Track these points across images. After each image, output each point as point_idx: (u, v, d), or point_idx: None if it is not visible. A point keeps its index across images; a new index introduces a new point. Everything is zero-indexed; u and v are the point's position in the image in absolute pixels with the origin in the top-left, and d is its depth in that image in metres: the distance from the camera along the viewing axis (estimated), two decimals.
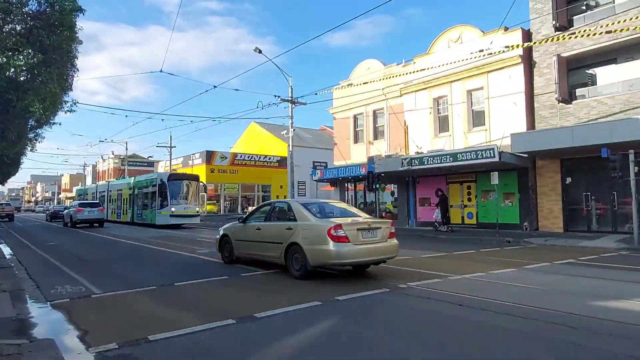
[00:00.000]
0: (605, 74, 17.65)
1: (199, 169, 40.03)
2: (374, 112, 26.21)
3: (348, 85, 25.75)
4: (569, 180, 17.75)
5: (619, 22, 15.50)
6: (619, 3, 17.07)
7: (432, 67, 20.06)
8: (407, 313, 5.98)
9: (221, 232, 10.86)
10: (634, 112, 15.44)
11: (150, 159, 67.35)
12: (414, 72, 21.12)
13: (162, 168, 50.91)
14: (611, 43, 16.41)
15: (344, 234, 7.74)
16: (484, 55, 18.35)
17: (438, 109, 22.65)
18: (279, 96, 24.59)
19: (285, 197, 38.40)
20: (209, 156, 42.01)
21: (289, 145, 25.73)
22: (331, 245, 7.72)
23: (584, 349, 4.39)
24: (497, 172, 16.88)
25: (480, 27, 21.19)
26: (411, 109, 23.50)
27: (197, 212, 29.44)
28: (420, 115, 22.98)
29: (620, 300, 6.43)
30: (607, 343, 4.55)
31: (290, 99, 25.05)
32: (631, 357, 4.13)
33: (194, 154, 44.13)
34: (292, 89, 25.65)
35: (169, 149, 42.02)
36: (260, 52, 23.34)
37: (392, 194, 25.90)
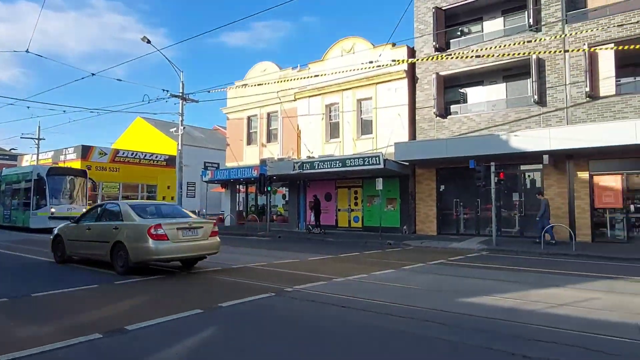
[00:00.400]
0: (474, 94, 19.86)
1: (73, 166, 35.98)
2: (269, 114, 26.13)
3: (243, 85, 25.31)
4: (442, 187, 19.55)
5: (486, 49, 17.54)
6: (487, 32, 19.37)
7: (325, 74, 20.63)
8: (292, 317, 5.93)
9: (55, 232, 11.04)
10: (496, 129, 17.57)
11: (13, 151, 58.86)
12: (308, 77, 21.51)
13: (28, 162, 44.83)
14: (480, 67, 18.50)
15: (163, 233, 8.54)
16: (373, 67, 19.35)
17: (330, 116, 23.36)
18: (167, 90, 23.20)
19: (172, 198, 36.36)
20: (86, 151, 37.91)
21: (178, 143, 24.41)
22: (150, 243, 8.45)
23: (449, 344, 4.74)
24: (381, 179, 17.92)
25: (372, 40, 22.40)
26: (304, 114, 23.90)
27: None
28: (313, 120, 23.49)
29: (482, 296, 7.14)
30: (470, 337, 4.98)
31: (181, 94, 23.80)
32: (488, 349, 4.55)
33: (67, 148, 39.54)
34: (183, 84, 24.42)
35: (37, 141, 37.14)
36: (148, 42, 21.79)
37: (284, 197, 26.04)
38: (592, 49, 15.63)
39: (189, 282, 8.58)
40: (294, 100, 24.40)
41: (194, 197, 41.07)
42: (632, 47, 13.75)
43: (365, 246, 15.74)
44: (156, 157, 43.36)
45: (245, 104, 26.42)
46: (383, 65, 19.11)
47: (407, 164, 19.31)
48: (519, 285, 8.13)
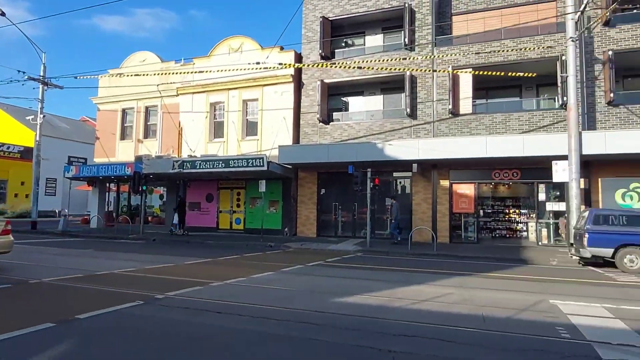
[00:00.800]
0: (355, 103, 20.99)
1: None
2: (147, 108, 24.38)
3: (118, 74, 23.23)
4: (323, 191, 20.24)
5: (367, 61, 18.65)
6: (369, 46, 20.64)
7: (211, 71, 19.95)
8: (162, 327, 5.53)
9: None
10: (373, 138, 18.77)
11: None
12: (192, 72, 20.62)
13: None
14: (361, 78, 19.60)
15: None
16: (260, 69, 19.31)
17: (215, 114, 22.65)
18: (24, 72, 20.27)
19: (27, 196, 31.90)
20: None
21: (36, 133, 21.46)
22: None
23: (322, 344, 4.86)
24: (265, 181, 17.89)
25: (260, 41, 22.31)
26: (187, 111, 22.80)
27: None
28: (197, 118, 22.54)
29: (355, 295, 7.49)
30: (342, 336, 5.16)
31: (41, 77, 20.99)
32: (357, 346, 4.77)
33: None
34: (45, 67, 21.62)
35: None
36: (2, 14, 18.82)
37: (161, 197, 24.51)
38: (455, 72, 17.62)
39: (40, 292, 7.52)
40: (177, 96, 23.14)
41: (54, 195, 36.54)
42: (485, 72, 15.83)
43: (246, 249, 15.54)
44: (8, 147, 37.59)
45: (121, 95, 24.29)
46: (270, 68, 19.15)
47: (290, 167, 19.59)
48: (388, 284, 8.73)
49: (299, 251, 15.20)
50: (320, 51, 20.11)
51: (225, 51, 22.20)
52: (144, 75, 21.50)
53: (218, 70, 19.69)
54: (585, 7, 13.55)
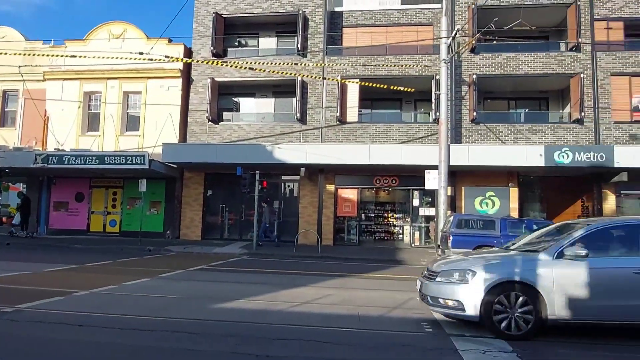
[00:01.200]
0: (246, 104, 20.73)
1: None
2: (5, 92, 21.19)
3: None
4: (210, 192, 19.57)
5: (260, 63, 18.52)
6: (262, 48, 20.56)
7: (86, 57, 18.02)
8: (6, 345, 4.78)
9: None
10: (263, 140, 18.69)
11: None
12: (64, 56, 18.40)
13: None
14: (253, 79, 19.41)
15: None
16: (145, 60, 17.95)
17: (89, 105, 20.54)
18: None
19: None
20: None
21: None
22: None
23: (197, 354, 4.63)
24: (145, 180, 16.69)
25: (147, 31, 20.86)
26: (56, 99, 20.30)
27: None
28: (67, 107, 20.16)
29: (237, 300, 7.32)
30: (219, 343, 4.99)
31: None
32: (234, 353, 4.64)
33: None
34: None
35: None
36: None
37: (20, 195, 21.46)
38: (343, 81, 18.39)
39: None
40: (43, 81, 20.49)
41: None
42: (370, 84, 16.81)
43: (121, 253, 14.31)
44: None
45: None
46: (157, 60, 17.94)
47: (175, 166, 18.59)
48: (271, 287, 8.71)
49: (181, 255, 14.46)
50: (212, 48, 19.46)
51: (104, 36, 20.29)
52: (2, 53, 18.61)
53: (95, 57, 17.87)
54: (456, 34, 15.13)
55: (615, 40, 18.22)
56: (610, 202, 17.15)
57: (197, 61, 18.83)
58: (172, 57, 17.88)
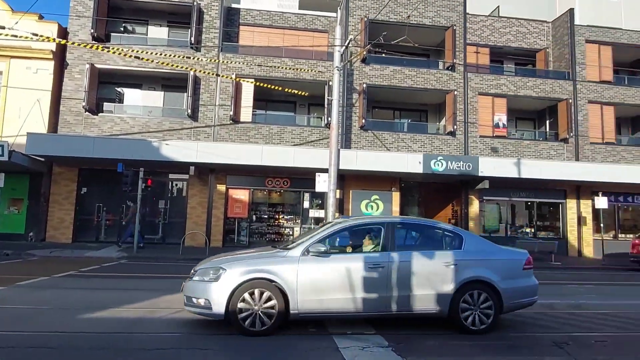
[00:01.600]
0: (131, 96, 19.19)
1: None
2: None
3: None
4: (84, 190, 17.71)
5: (148, 53, 17.31)
6: (151, 37, 19.26)
7: None
8: None
9: None
10: (149, 136, 17.49)
11: None
12: None
13: None
14: (140, 69, 18.05)
15: None
16: (7, 35, 15.64)
17: None
18: None
19: None
20: None
21: None
22: None
23: None
24: (3, 174, 14.53)
25: (12, 3, 18.15)
26: None
27: None
28: None
29: (110, 309, 6.68)
30: (84, 358, 4.50)
31: None
32: None
33: None
34: None
35: None
36: None
37: None
38: (238, 79, 18.04)
39: None
40: None
41: None
42: (265, 85, 16.74)
43: None
44: None
45: None
46: (23, 38, 15.75)
47: (42, 159, 16.46)
48: (151, 293, 8.13)
49: (47, 260, 12.84)
50: (92, 31, 17.66)
51: None
52: None
53: None
54: (349, 43, 15.75)
55: (483, 64, 20.74)
56: (475, 206, 19.37)
57: (74, 43, 16.90)
58: (42, 36, 15.84)
